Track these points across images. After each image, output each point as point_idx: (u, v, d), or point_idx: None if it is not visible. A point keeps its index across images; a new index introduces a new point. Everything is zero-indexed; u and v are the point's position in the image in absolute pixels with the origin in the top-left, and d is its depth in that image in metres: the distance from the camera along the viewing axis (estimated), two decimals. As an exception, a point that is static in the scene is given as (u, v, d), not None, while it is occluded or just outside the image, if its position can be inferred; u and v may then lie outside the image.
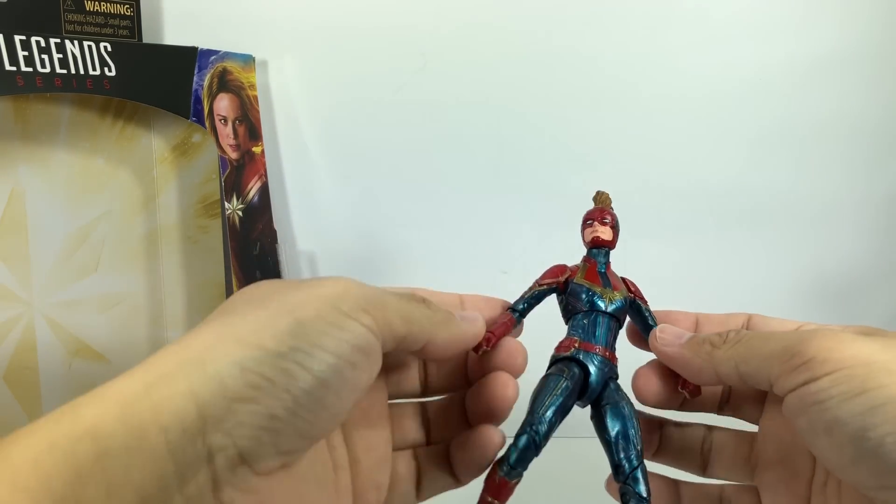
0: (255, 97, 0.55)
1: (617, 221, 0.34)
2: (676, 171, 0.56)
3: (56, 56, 0.43)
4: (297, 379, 0.21)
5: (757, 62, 0.55)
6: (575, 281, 0.32)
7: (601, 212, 0.34)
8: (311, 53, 0.58)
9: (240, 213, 0.53)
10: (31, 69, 0.41)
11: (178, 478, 0.19)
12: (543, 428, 0.28)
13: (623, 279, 0.34)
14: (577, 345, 0.31)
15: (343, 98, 0.58)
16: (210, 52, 0.52)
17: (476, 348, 0.29)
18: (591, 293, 0.32)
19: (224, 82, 0.53)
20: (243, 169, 0.54)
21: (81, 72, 0.44)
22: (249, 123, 0.55)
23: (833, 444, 0.23)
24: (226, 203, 0.52)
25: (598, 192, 0.35)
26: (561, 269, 0.33)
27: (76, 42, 0.44)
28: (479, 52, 0.56)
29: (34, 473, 0.18)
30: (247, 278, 0.53)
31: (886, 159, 0.56)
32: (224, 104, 0.53)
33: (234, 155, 0.53)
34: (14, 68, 0.41)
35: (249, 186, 0.54)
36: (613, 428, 0.30)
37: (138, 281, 0.53)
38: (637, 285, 0.34)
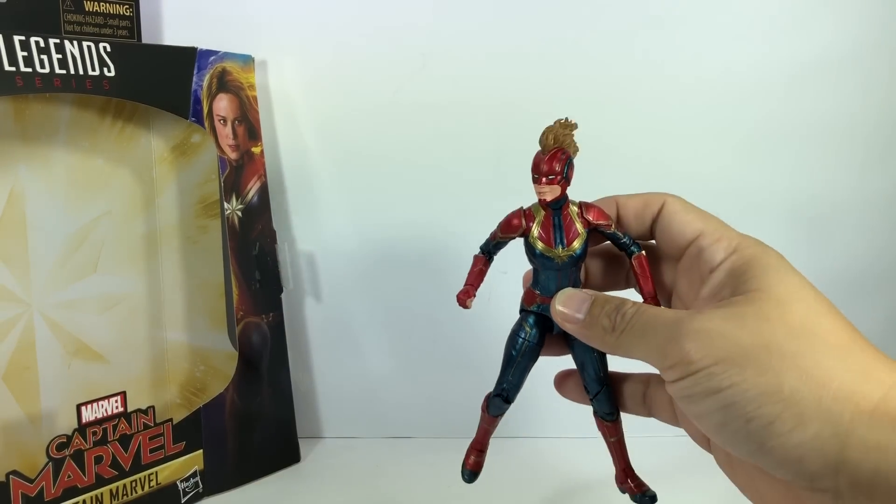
0: (255, 97, 0.55)
1: (567, 163, 0.31)
2: (676, 171, 0.56)
3: (55, 56, 0.43)
4: None
5: (756, 62, 0.55)
6: (529, 239, 0.32)
7: (545, 163, 0.31)
8: (311, 53, 0.58)
9: (239, 213, 0.53)
10: (30, 69, 0.41)
11: None
12: (514, 389, 0.34)
13: (581, 209, 0.32)
14: (538, 300, 0.33)
15: (343, 98, 0.58)
16: (209, 53, 0.52)
17: (461, 303, 0.33)
18: (543, 255, 0.32)
19: (223, 82, 0.53)
20: (242, 169, 0.54)
21: (81, 72, 0.44)
22: (249, 124, 0.55)
23: (703, 427, 0.27)
24: (225, 203, 0.52)
25: (545, 132, 0.31)
26: (517, 220, 0.33)
27: (75, 42, 0.44)
28: (479, 52, 0.56)
29: None
30: (246, 278, 0.53)
31: (886, 159, 0.56)
32: (223, 104, 0.53)
33: (233, 155, 0.53)
34: (13, 68, 0.41)
35: (249, 187, 0.54)
36: (578, 359, 0.34)
37: (138, 281, 0.53)
38: (598, 208, 0.33)
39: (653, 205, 0.33)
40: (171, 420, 0.49)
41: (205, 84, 0.51)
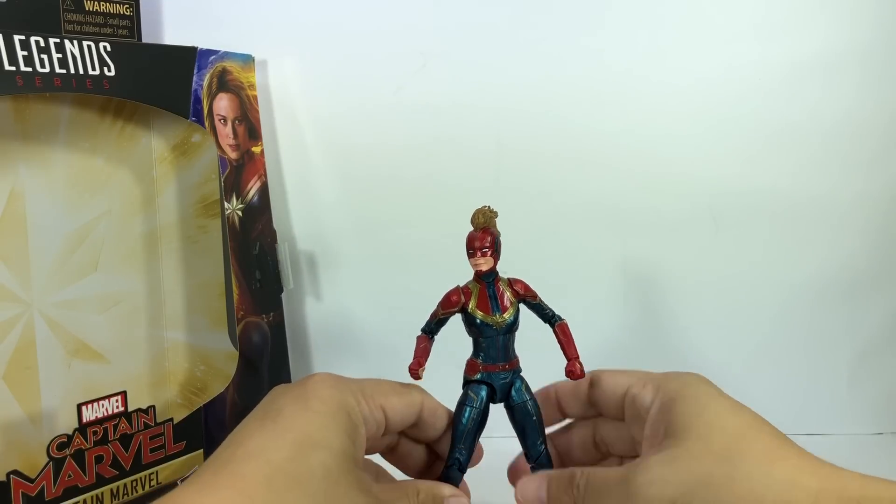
0: (255, 97, 0.55)
1: (496, 240, 0.36)
2: (676, 171, 0.56)
3: (55, 56, 0.43)
4: None
5: (757, 62, 0.55)
6: (469, 310, 0.36)
7: (478, 239, 0.35)
8: (311, 53, 0.58)
9: (239, 212, 0.53)
10: (30, 69, 0.41)
11: None
12: (465, 457, 0.37)
13: (510, 283, 0.37)
14: (481, 368, 0.37)
15: (343, 98, 0.58)
16: (210, 52, 0.52)
17: (413, 373, 0.36)
18: (483, 323, 0.36)
19: (223, 82, 0.53)
20: (243, 169, 0.54)
21: (81, 72, 0.44)
22: (249, 123, 0.55)
23: None
24: (225, 203, 0.52)
25: (475, 213, 0.36)
26: (456, 296, 0.36)
27: (75, 42, 0.44)
28: (479, 52, 0.56)
29: None
30: (246, 278, 0.53)
31: (886, 159, 0.55)
32: (224, 104, 0.53)
33: (233, 155, 0.53)
34: (13, 68, 0.41)
35: (249, 186, 0.54)
36: (518, 424, 0.37)
37: (138, 281, 0.53)
38: (524, 282, 0.37)
39: (582, 382, 0.38)
40: (171, 420, 0.49)
41: (205, 83, 0.51)
